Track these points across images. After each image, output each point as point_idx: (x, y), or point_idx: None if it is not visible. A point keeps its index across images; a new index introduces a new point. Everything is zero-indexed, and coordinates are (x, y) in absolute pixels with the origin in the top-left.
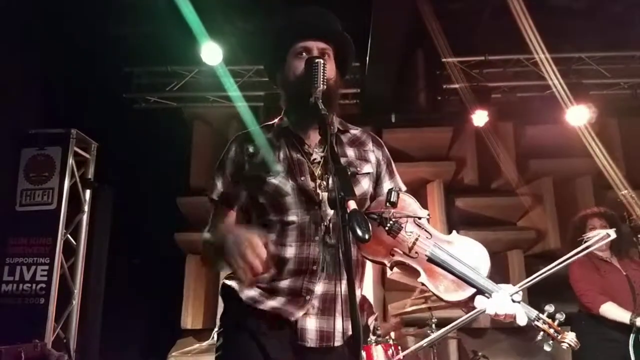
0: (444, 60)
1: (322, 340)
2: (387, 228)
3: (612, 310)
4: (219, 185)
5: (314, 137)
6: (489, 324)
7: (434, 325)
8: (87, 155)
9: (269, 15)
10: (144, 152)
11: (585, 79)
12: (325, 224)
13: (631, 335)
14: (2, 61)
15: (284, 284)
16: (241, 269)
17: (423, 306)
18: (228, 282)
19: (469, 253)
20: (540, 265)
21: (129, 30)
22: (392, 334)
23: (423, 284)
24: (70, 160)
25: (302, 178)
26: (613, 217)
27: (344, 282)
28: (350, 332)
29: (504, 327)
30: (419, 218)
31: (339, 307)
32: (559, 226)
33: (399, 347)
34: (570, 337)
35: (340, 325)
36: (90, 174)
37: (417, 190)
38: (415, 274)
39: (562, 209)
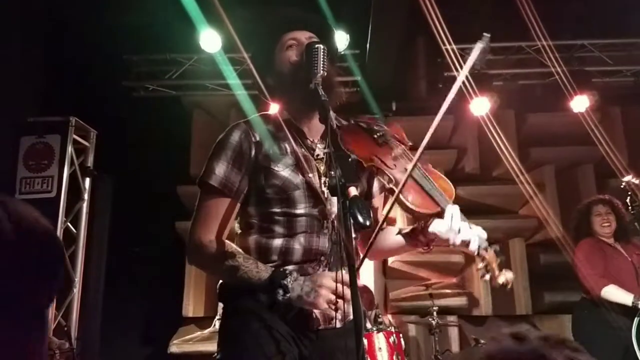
0: (444, 47)
1: (326, 322)
2: (375, 136)
3: (614, 293)
4: (219, 169)
5: (316, 131)
6: (490, 312)
7: (435, 313)
8: (87, 143)
9: (268, 2)
10: (144, 140)
11: (587, 66)
12: (331, 220)
13: (635, 319)
14: (1, 49)
15: (289, 269)
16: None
17: (423, 293)
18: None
19: (440, 181)
20: (541, 254)
21: (128, 18)
22: (392, 320)
23: (392, 189)
24: (70, 148)
25: (310, 175)
26: (618, 205)
27: (344, 271)
28: (350, 317)
29: (506, 315)
30: (406, 146)
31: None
32: (561, 214)
33: (400, 335)
34: (508, 275)
35: (341, 311)
36: (90, 162)
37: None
38: (388, 180)
39: (563, 197)
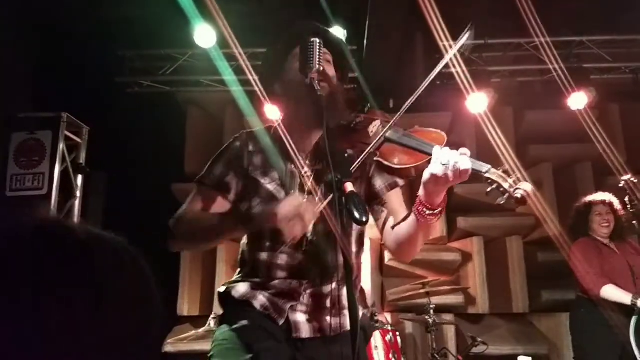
0: (442, 44)
1: (315, 332)
2: (352, 125)
3: (613, 293)
4: (217, 170)
5: (308, 147)
6: (487, 310)
7: (432, 311)
8: (79, 140)
9: None
10: (138, 137)
11: (586, 63)
12: (309, 238)
13: (633, 318)
14: None
15: (274, 283)
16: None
17: (421, 291)
18: (221, 289)
19: (428, 135)
20: (538, 252)
21: (122, 13)
22: (389, 318)
23: (377, 162)
24: (61, 145)
25: (292, 192)
26: (617, 207)
27: (335, 283)
28: (347, 328)
29: (503, 314)
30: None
31: (327, 305)
32: (559, 212)
33: (397, 333)
34: (525, 187)
35: (330, 320)
36: (82, 159)
37: (415, 177)
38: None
39: (561, 195)
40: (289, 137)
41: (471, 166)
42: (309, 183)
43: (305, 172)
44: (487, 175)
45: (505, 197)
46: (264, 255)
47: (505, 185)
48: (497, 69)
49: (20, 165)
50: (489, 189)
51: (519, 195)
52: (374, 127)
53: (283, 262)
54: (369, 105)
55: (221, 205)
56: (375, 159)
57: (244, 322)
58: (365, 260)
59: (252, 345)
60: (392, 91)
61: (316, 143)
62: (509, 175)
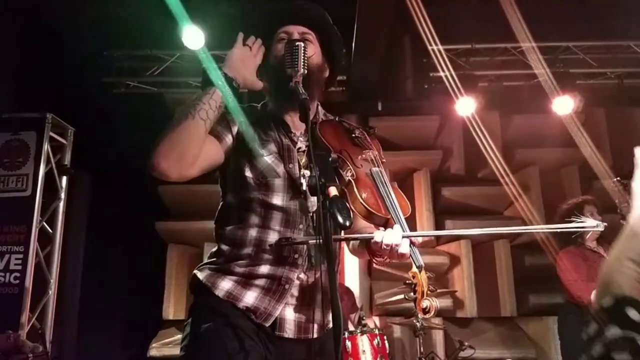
0: (430, 48)
1: (300, 332)
2: (353, 136)
3: None
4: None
5: (300, 125)
6: (475, 313)
7: (420, 315)
8: (64, 141)
9: None
10: (124, 138)
11: (572, 68)
12: (310, 214)
13: None
14: None
15: (263, 270)
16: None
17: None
18: (200, 276)
19: (399, 197)
20: (526, 256)
21: (108, 12)
22: (377, 322)
23: (349, 182)
24: (46, 146)
25: (291, 165)
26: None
27: (324, 273)
28: (330, 325)
29: (491, 318)
30: (380, 159)
31: (318, 298)
32: (546, 216)
33: (385, 337)
34: (433, 303)
35: (319, 317)
36: (67, 160)
37: (404, 179)
38: (351, 175)
39: (548, 199)
40: (282, 116)
41: (409, 252)
42: (304, 159)
43: (299, 148)
44: (415, 269)
45: (414, 296)
46: (252, 233)
47: (422, 288)
48: (484, 74)
49: (4, 167)
50: (408, 281)
51: (424, 304)
52: (369, 155)
53: (274, 241)
54: (374, 131)
55: (210, 142)
56: (347, 178)
57: (225, 320)
58: (353, 263)
59: (235, 342)
60: (380, 93)
61: (313, 122)
62: (428, 285)
